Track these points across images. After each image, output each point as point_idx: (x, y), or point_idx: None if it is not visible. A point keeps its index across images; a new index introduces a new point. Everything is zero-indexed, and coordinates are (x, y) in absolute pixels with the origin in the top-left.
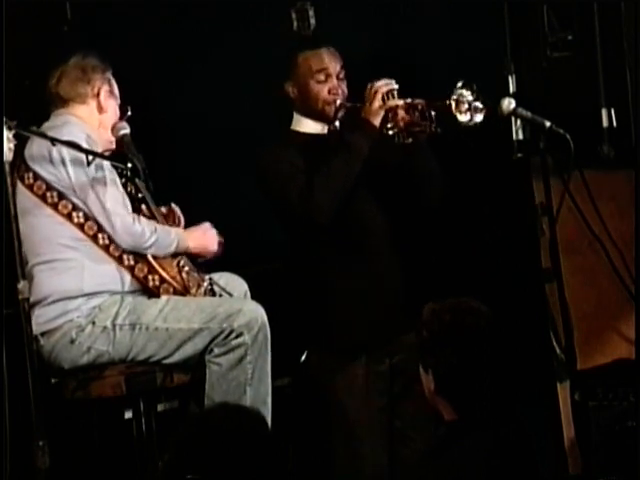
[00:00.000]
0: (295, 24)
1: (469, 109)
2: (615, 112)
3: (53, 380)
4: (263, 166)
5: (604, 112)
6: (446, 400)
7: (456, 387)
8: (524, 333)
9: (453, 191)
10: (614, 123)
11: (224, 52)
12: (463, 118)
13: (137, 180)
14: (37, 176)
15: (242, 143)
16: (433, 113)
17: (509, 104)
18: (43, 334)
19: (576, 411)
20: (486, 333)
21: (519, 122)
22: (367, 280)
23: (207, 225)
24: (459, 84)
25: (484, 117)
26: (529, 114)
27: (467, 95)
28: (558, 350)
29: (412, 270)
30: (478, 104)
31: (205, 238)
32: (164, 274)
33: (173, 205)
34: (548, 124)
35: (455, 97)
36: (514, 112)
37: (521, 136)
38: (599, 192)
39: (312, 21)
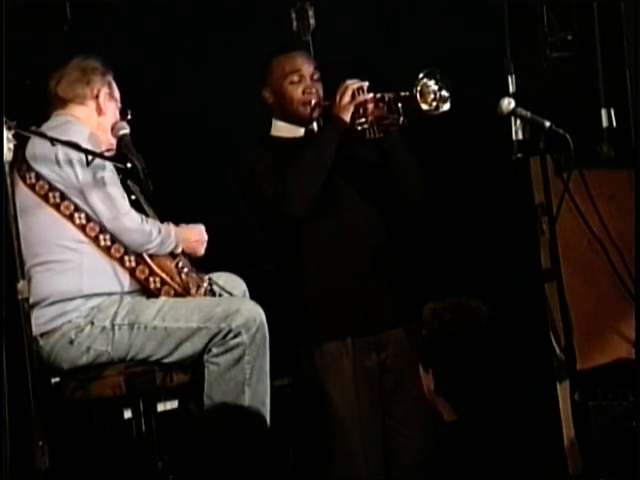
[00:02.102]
0: (295, 24)
1: (435, 98)
2: (615, 112)
3: (53, 380)
4: (240, 168)
5: (604, 112)
6: (446, 400)
7: (456, 387)
8: (524, 333)
9: (453, 191)
10: (614, 123)
11: (223, 52)
12: (429, 108)
13: (130, 183)
14: (39, 176)
15: (241, 143)
16: (400, 105)
17: (509, 104)
18: (42, 335)
19: (576, 411)
20: (486, 333)
21: (519, 122)
22: (348, 274)
23: (202, 228)
24: (421, 74)
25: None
26: (529, 114)
27: (431, 85)
28: (558, 350)
29: (401, 266)
30: (444, 93)
31: (197, 240)
32: (164, 276)
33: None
34: (548, 124)
35: (419, 88)
36: (514, 112)
37: (521, 136)
38: (599, 192)
39: (312, 21)
